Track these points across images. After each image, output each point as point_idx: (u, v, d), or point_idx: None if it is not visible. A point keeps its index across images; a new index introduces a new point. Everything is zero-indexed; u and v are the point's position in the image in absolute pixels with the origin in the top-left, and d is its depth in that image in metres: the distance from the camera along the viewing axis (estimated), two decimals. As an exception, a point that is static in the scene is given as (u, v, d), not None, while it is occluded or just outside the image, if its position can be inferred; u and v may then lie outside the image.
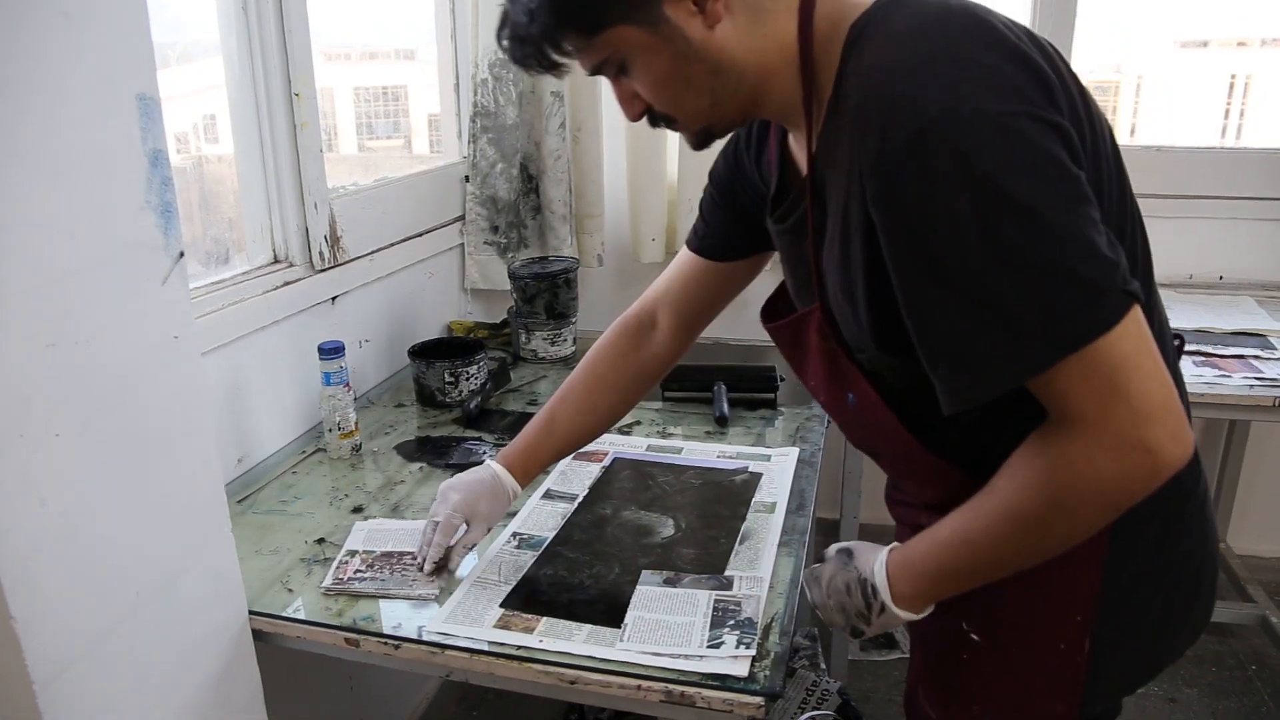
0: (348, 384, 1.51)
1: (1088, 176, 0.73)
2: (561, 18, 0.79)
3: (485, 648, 1.02)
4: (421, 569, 1.13)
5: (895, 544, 0.90)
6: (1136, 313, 0.70)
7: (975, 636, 0.92)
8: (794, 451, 1.49)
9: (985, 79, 0.69)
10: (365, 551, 1.21)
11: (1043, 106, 0.70)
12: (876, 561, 0.88)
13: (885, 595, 0.87)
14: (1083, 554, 0.85)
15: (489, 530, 1.16)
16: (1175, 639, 0.95)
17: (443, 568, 1.13)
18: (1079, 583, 0.87)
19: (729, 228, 1.09)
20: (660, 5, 0.78)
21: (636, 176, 2.24)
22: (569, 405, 1.19)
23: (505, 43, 0.84)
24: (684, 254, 1.16)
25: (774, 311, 1.04)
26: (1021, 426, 0.80)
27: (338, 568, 1.17)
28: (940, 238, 0.70)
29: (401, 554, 1.19)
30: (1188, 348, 1.82)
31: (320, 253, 1.64)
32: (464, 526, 1.13)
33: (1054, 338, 0.69)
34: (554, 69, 0.84)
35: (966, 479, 0.86)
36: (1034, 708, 0.92)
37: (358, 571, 1.16)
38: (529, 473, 1.18)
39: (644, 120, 0.89)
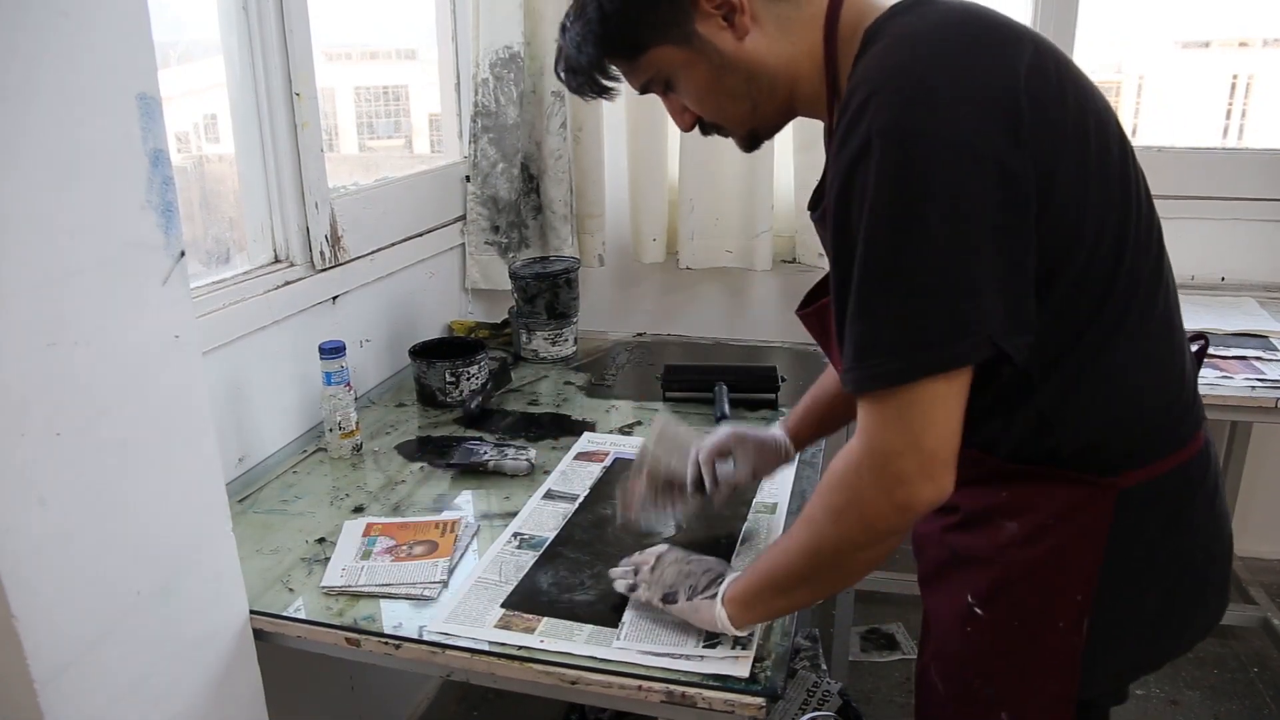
0: (348, 384, 1.51)
1: (1069, 188, 0.78)
2: (605, 46, 0.90)
3: (486, 648, 1.02)
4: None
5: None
6: (954, 373, 0.77)
7: (980, 611, 0.94)
8: (795, 452, 1.48)
9: (944, 105, 0.74)
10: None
11: (995, 140, 0.74)
12: (731, 571, 1.01)
13: (722, 588, 0.97)
14: (1080, 536, 0.89)
15: (754, 478, 1.22)
16: (1179, 635, 0.97)
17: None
18: (1079, 565, 0.89)
19: None
20: (692, 23, 0.87)
21: (637, 176, 2.24)
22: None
23: (562, 75, 0.95)
24: None
25: (809, 298, 1.10)
26: (1031, 413, 0.87)
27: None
28: (858, 239, 0.77)
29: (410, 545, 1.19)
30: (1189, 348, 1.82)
31: (321, 252, 1.64)
32: (730, 463, 1.19)
33: (912, 361, 0.76)
34: (606, 93, 0.95)
35: (979, 456, 0.91)
36: (1032, 685, 0.94)
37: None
38: (801, 437, 1.24)
39: (695, 129, 0.97)
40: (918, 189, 0.74)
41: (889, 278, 0.76)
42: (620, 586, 1.06)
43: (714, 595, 0.97)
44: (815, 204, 1.00)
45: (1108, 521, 0.88)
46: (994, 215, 0.75)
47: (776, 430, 1.24)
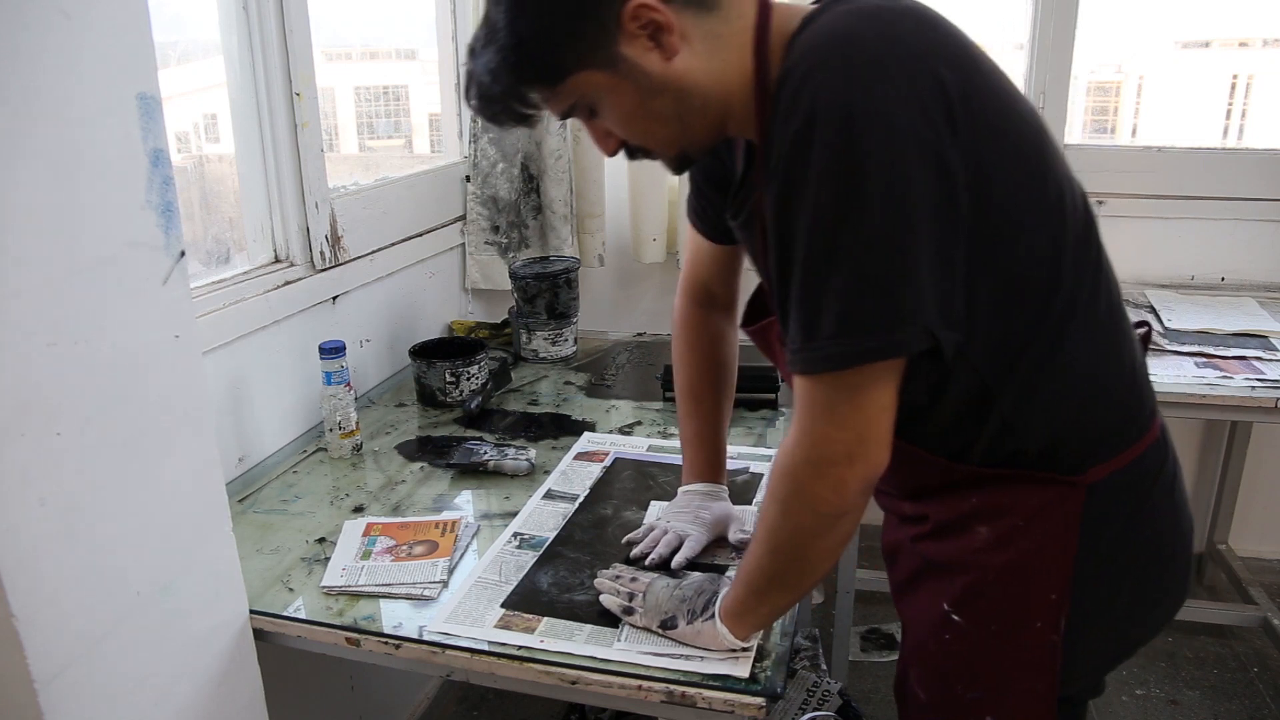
0: (349, 383, 1.51)
1: (1004, 183, 0.78)
2: (523, 73, 0.83)
3: (486, 647, 1.02)
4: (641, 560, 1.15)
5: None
6: (899, 362, 0.78)
7: (956, 617, 0.94)
8: (795, 452, 1.48)
9: (888, 81, 0.73)
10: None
11: (935, 127, 0.74)
12: (724, 585, 1.00)
13: (717, 605, 0.97)
14: (1052, 536, 0.89)
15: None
16: (1148, 618, 0.98)
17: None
18: (1052, 564, 0.90)
19: (715, 213, 1.12)
20: (617, 45, 0.81)
21: (637, 176, 2.24)
22: (708, 393, 1.24)
23: (474, 103, 0.87)
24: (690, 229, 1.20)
25: (751, 314, 1.10)
26: (994, 418, 0.87)
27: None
28: (800, 221, 0.76)
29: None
30: (1188, 349, 1.82)
31: (321, 252, 1.64)
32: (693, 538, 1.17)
33: (852, 347, 0.76)
34: (525, 121, 0.88)
35: (947, 465, 0.91)
36: (1014, 686, 0.94)
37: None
38: (720, 468, 1.25)
39: (619, 154, 0.92)
40: (861, 170, 0.72)
41: (831, 261, 0.76)
42: (612, 606, 1.05)
43: (712, 616, 0.97)
44: (736, 212, 0.98)
45: (1078, 518, 0.88)
46: (931, 205, 0.74)
47: (708, 489, 1.23)
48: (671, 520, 1.19)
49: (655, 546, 1.15)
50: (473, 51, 0.86)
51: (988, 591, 0.93)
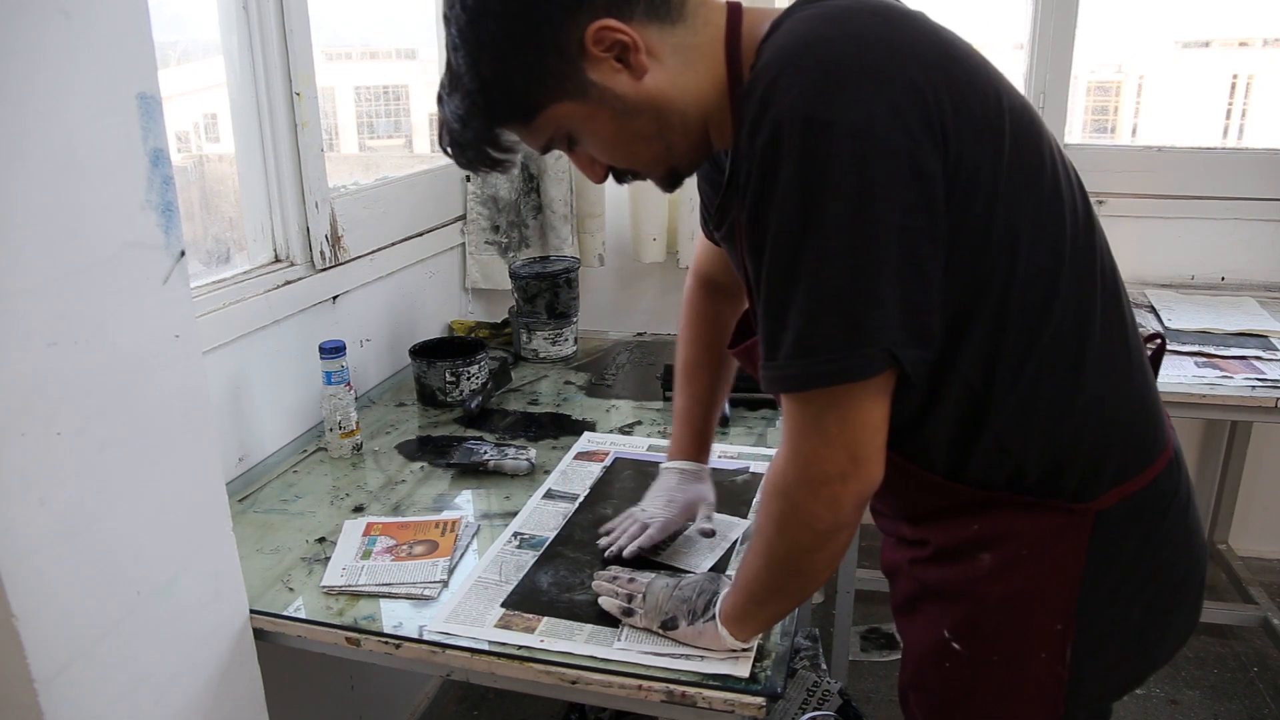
0: (349, 383, 1.51)
1: (991, 190, 0.75)
2: (493, 115, 0.81)
3: (486, 647, 1.02)
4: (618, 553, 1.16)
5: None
6: (886, 376, 0.75)
7: (957, 646, 0.92)
8: (795, 451, 1.48)
9: (855, 86, 0.70)
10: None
11: (909, 132, 0.71)
12: (724, 585, 0.99)
13: (717, 607, 0.97)
14: (1058, 564, 0.86)
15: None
16: (1159, 646, 0.95)
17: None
18: (1057, 593, 0.87)
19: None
20: (584, 73, 0.79)
21: (638, 176, 2.23)
22: (703, 372, 1.25)
23: (449, 150, 0.85)
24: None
25: (738, 335, 1.08)
26: (990, 437, 0.84)
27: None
28: (768, 235, 0.74)
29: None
30: (1188, 349, 1.82)
31: (321, 252, 1.64)
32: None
33: (808, 370, 0.75)
34: (499, 166, 0.86)
35: (945, 484, 0.88)
36: (1016, 717, 0.92)
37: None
38: (704, 447, 1.25)
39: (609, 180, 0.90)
40: (822, 184, 0.70)
41: (792, 279, 0.73)
42: (611, 608, 1.04)
43: (713, 617, 0.97)
44: (719, 223, 0.95)
45: (1084, 548, 0.85)
46: (902, 216, 0.71)
47: (691, 468, 1.24)
48: (646, 504, 1.21)
49: (619, 538, 1.17)
50: (440, 99, 0.84)
51: (990, 620, 0.90)
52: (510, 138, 0.84)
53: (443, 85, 0.83)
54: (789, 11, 0.79)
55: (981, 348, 0.80)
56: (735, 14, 0.82)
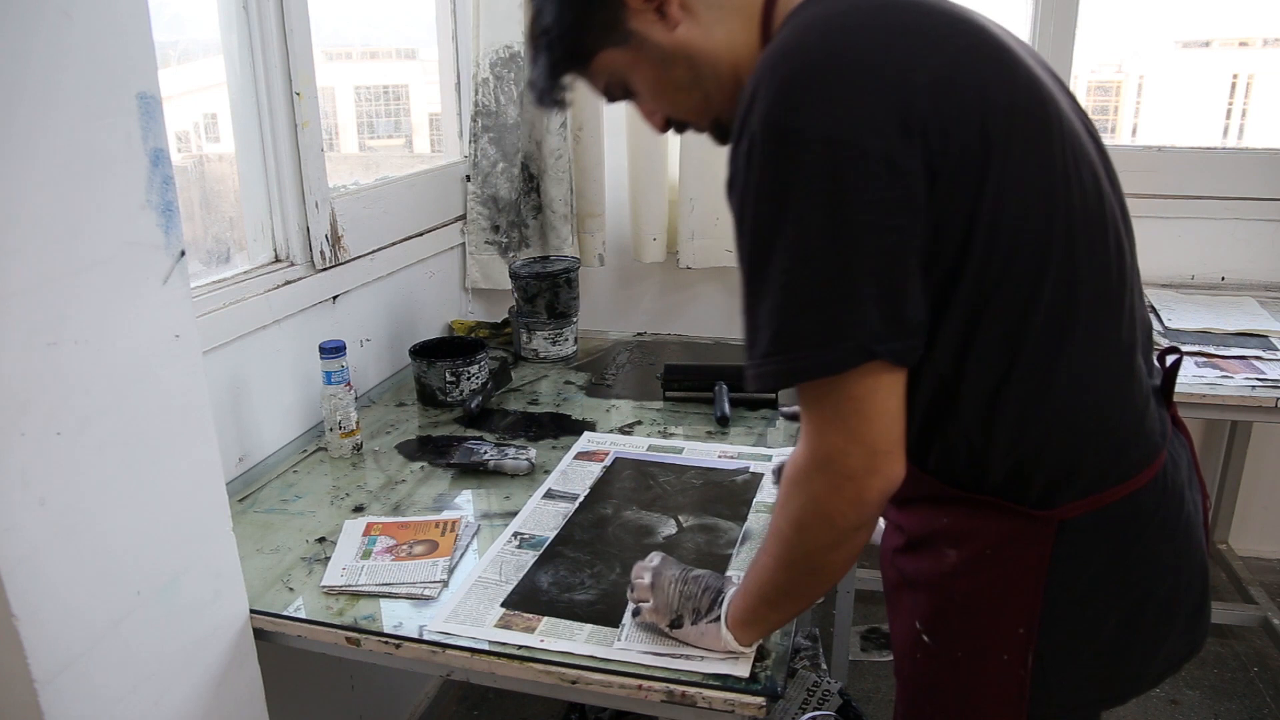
0: (349, 383, 1.51)
1: (974, 186, 0.75)
2: (554, 59, 0.90)
3: (486, 647, 1.02)
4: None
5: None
6: (873, 367, 0.76)
7: (926, 638, 0.93)
8: (795, 451, 1.48)
9: (825, 95, 0.73)
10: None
11: (881, 132, 0.72)
12: (729, 584, 0.99)
13: (723, 609, 0.96)
14: (1021, 568, 0.86)
15: None
16: (1144, 665, 0.93)
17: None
18: (1018, 596, 0.87)
19: None
20: (626, 23, 0.86)
21: (638, 176, 2.24)
22: None
23: (530, 93, 0.96)
24: None
25: None
26: (957, 434, 0.85)
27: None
28: (747, 232, 0.78)
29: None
30: (1187, 348, 1.82)
31: (321, 252, 1.64)
32: None
33: (784, 366, 0.77)
34: (562, 105, 0.95)
35: (916, 473, 0.89)
36: (979, 715, 0.92)
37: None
38: None
39: (670, 130, 0.95)
40: (792, 189, 0.73)
41: (765, 278, 0.76)
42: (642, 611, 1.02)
43: (718, 618, 0.96)
44: None
45: (1048, 555, 0.85)
46: (874, 214, 0.73)
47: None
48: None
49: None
50: (526, 46, 0.95)
51: (955, 616, 0.91)
52: (567, 82, 0.92)
53: (527, 33, 0.93)
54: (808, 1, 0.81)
55: (955, 338, 0.80)
56: None
